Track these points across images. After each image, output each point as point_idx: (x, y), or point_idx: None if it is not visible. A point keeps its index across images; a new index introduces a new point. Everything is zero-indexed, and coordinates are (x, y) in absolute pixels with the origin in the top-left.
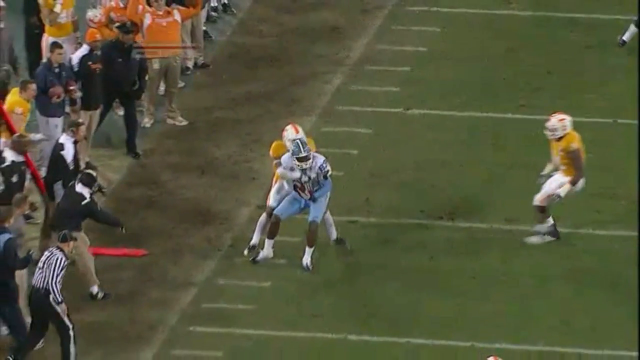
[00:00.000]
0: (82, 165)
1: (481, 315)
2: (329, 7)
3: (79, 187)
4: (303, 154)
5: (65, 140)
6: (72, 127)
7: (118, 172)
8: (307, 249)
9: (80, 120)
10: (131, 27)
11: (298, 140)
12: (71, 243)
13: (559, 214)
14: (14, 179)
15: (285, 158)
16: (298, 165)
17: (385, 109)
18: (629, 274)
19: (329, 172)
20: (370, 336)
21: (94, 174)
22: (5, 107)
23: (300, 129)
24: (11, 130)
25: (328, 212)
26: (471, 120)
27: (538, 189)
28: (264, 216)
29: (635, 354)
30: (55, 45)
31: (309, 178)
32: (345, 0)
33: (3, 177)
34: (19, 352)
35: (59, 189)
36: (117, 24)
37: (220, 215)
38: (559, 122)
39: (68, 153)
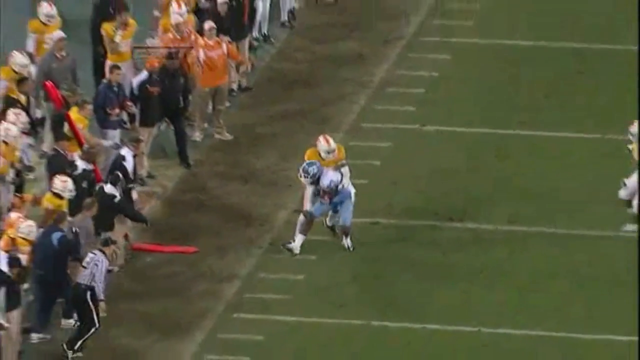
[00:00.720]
0: (144, 174)
1: (487, 304)
2: (355, 38)
3: (108, 188)
4: (302, 178)
5: (127, 153)
6: (133, 142)
7: (172, 180)
8: (344, 238)
9: (141, 137)
10: (175, 55)
11: (301, 168)
12: (112, 246)
13: (555, 218)
14: (84, 185)
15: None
16: (307, 182)
17: (404, 125)
18: (616, 270)
19: (339, 186)
20: (390, 322)
21: (120, 174)
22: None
23: (331, 140)
24: (80, 143)
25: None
26: (478, 136)
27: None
28: (302, 217)
29: (623, 338)
30: (114, 67)
31: (319, 189)
32: (369, 32)
33: (75, 184)
34: (75, 342)
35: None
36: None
37: (260, 218)
38: None
39: (129, 164)
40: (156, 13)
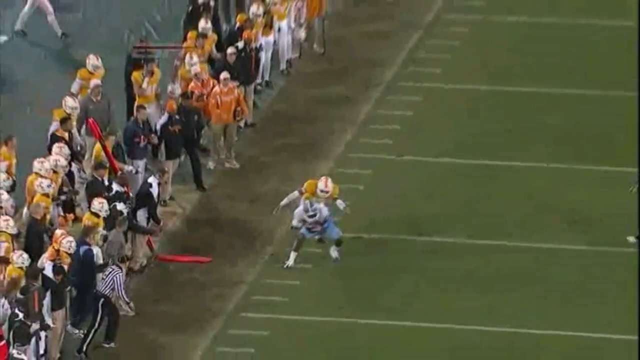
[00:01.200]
0: (167, 197)
1: (457, 305)
2: (343, 83)
3: (120, 206)
4: (310, 213)
5: (153, 181)
6: (159, 172)
7: (190, 202)
8: (334, 247)
9: (166, 169)
10: (190, 95)
11: (308, 202)
12: (128, 262)
13: (510, 233)
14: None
15: (297, 212)
16: (308, 218)
17: (383, 155)
18: (561, 276)
19: (328, 217)
20: (372, 320)
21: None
22: (95, 152)
23: (329, 184)
24: (114, 169)
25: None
26: (446, 165)
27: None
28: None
29: (561, 332)
30: (139, 107)
31: (316, 220)
32: (354, 78)
33: (109, 203)
34: (82, 345)
35: (141, 214)
36: (181, 93)
37: (264, 233)
38: None
39: (154, 191)
40: (176, 62)
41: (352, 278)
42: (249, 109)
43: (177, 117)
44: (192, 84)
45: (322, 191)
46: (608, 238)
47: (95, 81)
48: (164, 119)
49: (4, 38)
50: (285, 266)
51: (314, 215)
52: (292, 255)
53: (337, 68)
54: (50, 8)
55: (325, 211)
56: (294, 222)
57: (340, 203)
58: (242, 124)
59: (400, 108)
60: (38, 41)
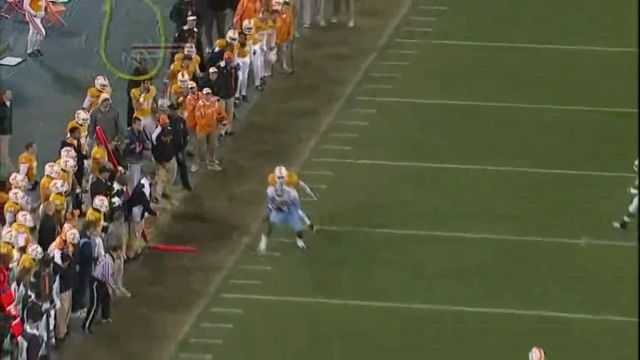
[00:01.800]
0: (159, 195)
1: (412, 285)
2: (309, 97)
3: (116, 199)
4: (279, 192)
5: (145, 182)
6: (150, 174)
7: (178, 199)
8: (298, 239)
9: (156, 172)
10: (176, 105)
11: (279, 184)
12: (119, 251)
13: (452, 226)
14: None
15: (270, 190)
16: (277, 197)
17: (342, 160)
18: (489, 262)
19: (294, 200)
20: (333, 300)
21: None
22: (93, 153)
23: (283, 170)
24: (116, 170)
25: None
26: (397, 168)
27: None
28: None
29: (496, 310)
30: (135, 118)
31: (284, 199)
32: (319, 93)
33: (110, 200)
34: (85, 322)
35: (136, 210)
36: (169, 104)
37: (241, 226)
38: None
39: (147, 190)
40: (166, 80)
41: (317, 264)
42: (230, 120)
43: (168, 128)
44: (188, 97)
45: (278, 177)
46: (532, 230)
47: (104, 95)
48: (157, 130)
49: (18, 60)
50: (257, 249)
51: (282, 195)
52: (264, 239)
53: (304, 85)
54: (42, 29)
55: (292, 193)
56: (267, 207)
57: (304, 186)
58: (222, 132)
59: (357, 119)
60: (48, 62)
